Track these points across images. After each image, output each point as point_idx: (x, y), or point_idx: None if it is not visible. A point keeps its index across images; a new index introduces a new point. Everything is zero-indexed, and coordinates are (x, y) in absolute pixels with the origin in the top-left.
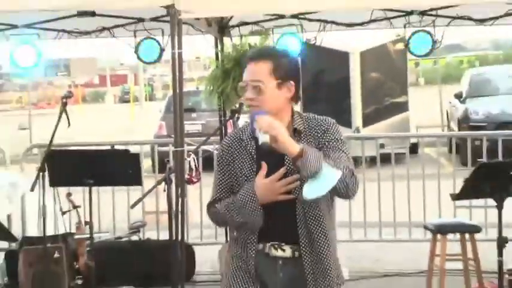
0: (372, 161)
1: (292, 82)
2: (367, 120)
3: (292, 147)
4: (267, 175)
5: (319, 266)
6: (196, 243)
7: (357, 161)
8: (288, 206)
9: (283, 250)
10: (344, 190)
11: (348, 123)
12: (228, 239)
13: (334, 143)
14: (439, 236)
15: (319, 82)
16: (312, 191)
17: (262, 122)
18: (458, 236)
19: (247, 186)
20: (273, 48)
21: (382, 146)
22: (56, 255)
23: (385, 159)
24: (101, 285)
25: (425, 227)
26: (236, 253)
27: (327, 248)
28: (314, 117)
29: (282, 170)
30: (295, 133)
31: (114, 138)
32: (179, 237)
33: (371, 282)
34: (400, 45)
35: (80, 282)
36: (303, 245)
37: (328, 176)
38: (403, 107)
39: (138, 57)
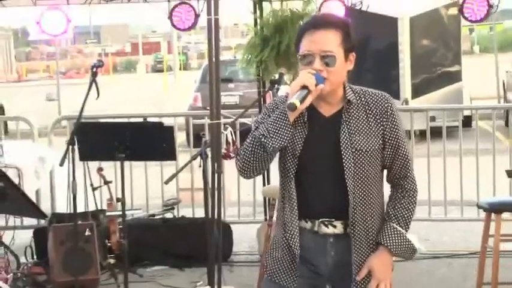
0: (421, 135)
1: (354, 54)
2: (417, 91)
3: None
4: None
5: (369, 243)
6: (234, 221)
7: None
8: (337, 179)
9: (334, 226)
10: None
11: (395, 95)
12: (274, 217)
13: (397, 137)
14: (493, 215)
15: (365, 50)
16: None
17: None
18: None
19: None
20: (338, 17)
21: (432, 119)
22: (87, 233)
23: (436, 133)
24: (135, 265)
25: (479, 206)
26: (279, 233)
27: (378, 222)
28: (367, 91)
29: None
30: (348, 104)
31: (147, 110)
32: (215, 215)
33: (419, 264)
34: (454, 10)
35: (112, 261)
36: (354, 220)
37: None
38: (455, 77)
39: (172, 24)
